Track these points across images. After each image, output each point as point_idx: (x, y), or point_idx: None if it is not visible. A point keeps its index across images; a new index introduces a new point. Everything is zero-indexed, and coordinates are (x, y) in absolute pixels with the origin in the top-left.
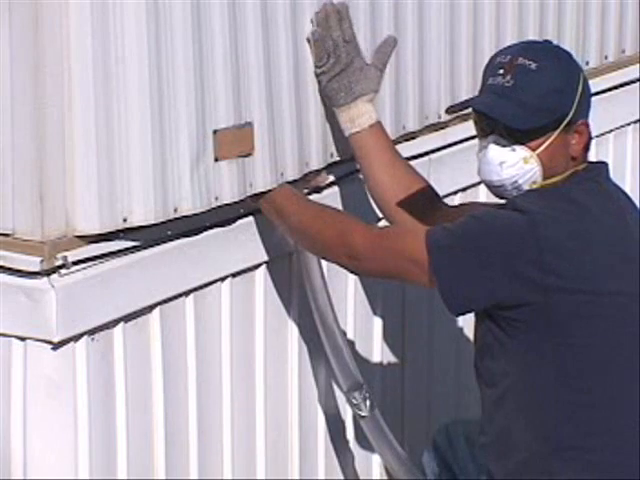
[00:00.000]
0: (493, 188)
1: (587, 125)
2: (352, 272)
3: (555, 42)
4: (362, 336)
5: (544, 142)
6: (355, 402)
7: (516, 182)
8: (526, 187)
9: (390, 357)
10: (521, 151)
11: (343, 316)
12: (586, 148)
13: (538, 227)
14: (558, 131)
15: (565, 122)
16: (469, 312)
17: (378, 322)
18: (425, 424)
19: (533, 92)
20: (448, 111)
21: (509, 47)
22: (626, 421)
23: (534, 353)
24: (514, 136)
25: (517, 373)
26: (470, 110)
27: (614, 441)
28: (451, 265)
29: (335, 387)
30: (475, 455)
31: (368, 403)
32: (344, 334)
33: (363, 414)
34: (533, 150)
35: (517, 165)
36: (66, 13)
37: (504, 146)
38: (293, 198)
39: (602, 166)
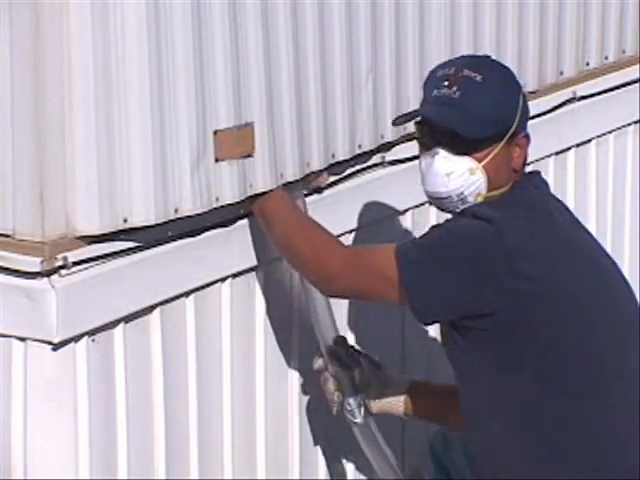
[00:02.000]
0: (438, 200)
1: (527, 138)
2: (323, 292)
3: (555, 42)
4: (360, 338)
5: (489, 153)
6: (349, 408)
7: (462, 193)
8: (471, 199)
9: (389, 360)
10: (467, 162)
11: (340, 319)
12: (525, 161)
13: (504, 233)
14: (502, 143)
15: (509, 134)
16: (439, 322)
17: (376, 325)
18: (425, 426)
19: (480, 103)
20: (395, 123)
21: (449, 61)
22: (615, 417)
23: (511, 362)
24: (460, 147)
25: (493, 384)
26: (414, 123)
27: (605, 440)
28: (420, 277)
29: None
30: (472, 458)
31: (362, 410)
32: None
33: (356, 421)
34: (479, 161)
35: (464, 176)
36: (66, 13)
37: (450, 158)
38: (283, 207)
39: (536, 174)
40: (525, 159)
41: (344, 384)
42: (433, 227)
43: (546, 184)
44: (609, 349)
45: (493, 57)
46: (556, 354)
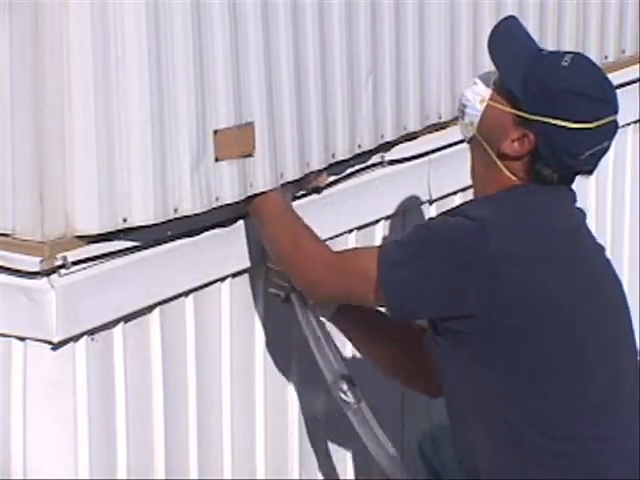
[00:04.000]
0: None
1: (532, 143)
2: (310, 298)
3: (555, 42)
4: None
5: (499, 105)
6: (342, 390)
7: (465, 106)
8: (466, 120)
9: None
10: (486, 92)
11: None
12: (530, 169)
13: (489, 235)
14: (511, 110)
15: (521, 111)
16: (412, 318)
17: None
18: (425, 423)
19: (559, 79)
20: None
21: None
22: (590, 425)
23: (487, 366)
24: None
25: (471, 386)
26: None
27: (581, 445)
28: (398, 276)
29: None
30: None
31: (356, 391)
32: (325, 326)
33: (348, 400)
34: (491, 99)
35: (475, 99)
36: (66, 13)
37: (489, 81)
38: (276, 210)
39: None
40: (530, 166)
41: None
42: (418, 226)
43: (570, 190)
44: (593, 358)
45: None
46: (532, 362)
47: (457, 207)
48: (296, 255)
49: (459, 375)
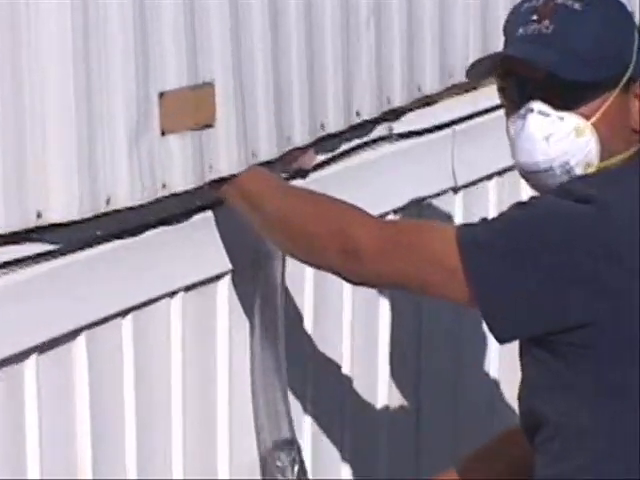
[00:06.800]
0: (535, 174)
1: None
2: (348, 279)
3: None
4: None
5: (600, 106)
6: (279, 465)
7: (567, 163)
8: (579, 170)
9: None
10: (572, 119)
11: (339, 327)
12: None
13: (611, 217)
14: (617, 91)
15: (625, 79)
16: (521, 338)
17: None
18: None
19: (582, 38)
20: (469, 76)
21: None
22: None
23: (605, 378)
24: (561, 98)
25: (580, 407)
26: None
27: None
28: (496, 273)
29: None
30: None
31: (296, 468)
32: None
33: (287, 477)
34: (587, 118)
35: (568, 138)
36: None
37: (548, 115)
38: (269, 182)
39: None
40: None
41: None
42: (514, 206)
43: None
44: None
45: None
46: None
47: (562, 185)
48: (326, 225)
49: (566, 399)
